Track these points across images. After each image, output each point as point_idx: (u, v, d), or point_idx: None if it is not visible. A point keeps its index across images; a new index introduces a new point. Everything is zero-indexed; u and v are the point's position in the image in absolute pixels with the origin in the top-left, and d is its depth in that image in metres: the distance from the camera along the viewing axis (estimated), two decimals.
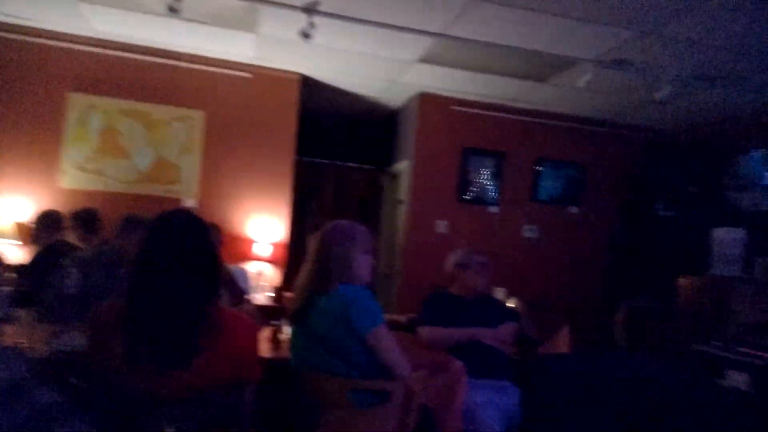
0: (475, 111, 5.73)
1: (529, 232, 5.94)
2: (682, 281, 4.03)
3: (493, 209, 5.84)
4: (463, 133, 5.73)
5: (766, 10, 3.28)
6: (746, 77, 4.39)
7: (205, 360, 1.60)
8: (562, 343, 3.85)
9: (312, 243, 2.30)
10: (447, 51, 4.39)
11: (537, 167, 5.95)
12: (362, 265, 2.23)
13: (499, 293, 5.41)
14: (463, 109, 5.70)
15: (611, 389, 1.71)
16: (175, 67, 4.96)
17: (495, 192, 5.83)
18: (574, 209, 6.05)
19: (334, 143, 6.43)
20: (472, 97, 5.65)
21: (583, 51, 4.16)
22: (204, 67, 5.03)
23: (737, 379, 2.84)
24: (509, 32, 3.94)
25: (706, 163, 5.19)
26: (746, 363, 2.83)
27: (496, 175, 5.82)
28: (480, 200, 5.80)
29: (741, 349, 2.99)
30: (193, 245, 1.66)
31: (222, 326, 1.63)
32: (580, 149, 6.04)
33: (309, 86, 5.44)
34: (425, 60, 4.64)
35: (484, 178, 5.82)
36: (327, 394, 2.08)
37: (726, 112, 5.35)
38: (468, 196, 5.76)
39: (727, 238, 3.83)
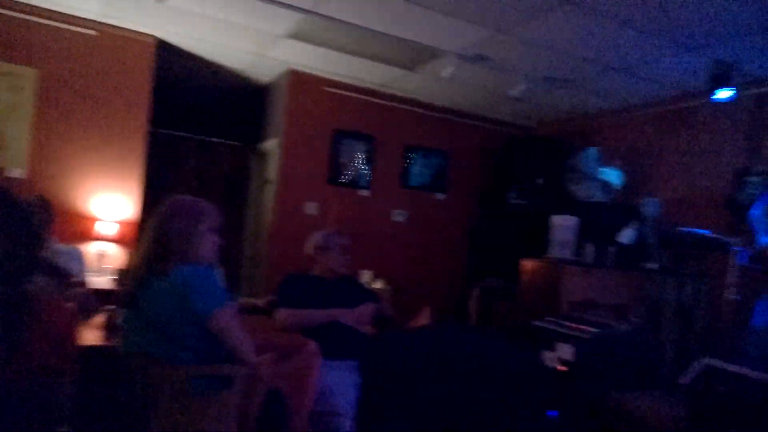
0: (347, 93, 5.73)
1: (398, 216, 6.11)
2: (524, 264, 4.41)
3: (364, 192, 5.92)
4: (335, 114, 5.71)
5: (601, 23, 3.66)
6: (586, 82, 4.89)
7: (15, 349, 1.41)
8: (423, 322, 4.01)
9: (150, 220, 2.14)
10: (316, 29, 4.32)
11: (407, 154, 6.13)
12: (206, 244, 2.12)
13: (365, 275, 5.53)
14: (335, 90, 5.67)
15: (432, 362, 1.82)
16: (2, 16, 4.31)
17: (366, 176, 5.91)
18: (440, 196, 6.35)
19: (198, 116, 6.05)
20: (344, 80, 5.63)
21: (447, 44, 4.33)
22: (38, 19, 4.43)
23: (566, 351, 3.18)
24: (376, 17, 3.97)
25: (553, 157, 5.71)
26: (572, 336, 3.17)
27: (368, 159, 5.90)
28: (351, 183, 5.84)
29: (569, 324, 3.34)
30: None
31: (34, 313, 1.45)
32: (445, 139, 6.33)
33: (167, 52, 5.04)
34: (294, 36, 4.53)
35: (356, 161, 5.86)
36: (161, 381, 1.95)
37: (570, 112, 5.94)
38: (339, 178, 5.77)
39: (562, 224, 4.27)
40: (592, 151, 5.23)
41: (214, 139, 6.01)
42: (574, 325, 3.30)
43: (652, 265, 4.25)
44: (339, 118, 5.73)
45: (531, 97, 5.39)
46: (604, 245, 4.35)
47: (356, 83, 5.70)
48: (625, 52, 4.14)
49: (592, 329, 3.22)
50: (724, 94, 4.11)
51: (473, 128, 6.45)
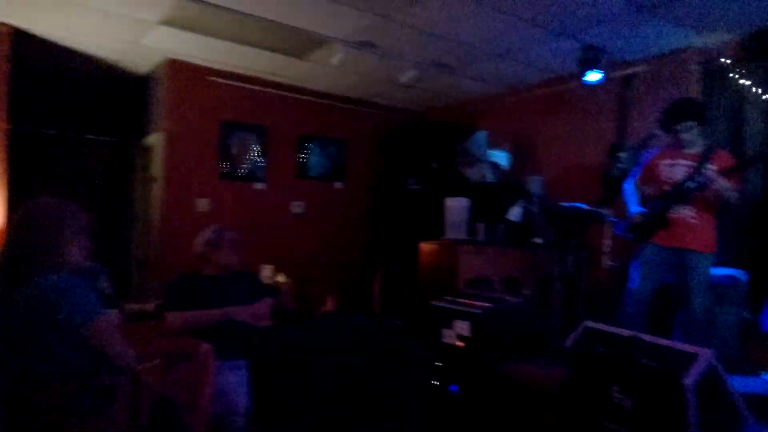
0: (234, 83, 5.51)
1: (297, 208, 6.02)
2: (422, 246, 4.53)
3: (260, 186, 5.76)
4: (222, 105, 5.47)
5: (478, 9, 3.80)
6: (471, 67, 5.08)
7: None
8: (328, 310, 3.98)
9: (7, 227, 1.92)
10: (192, 15, 4.09)
11: (302, 144, 6.04)
12: (74, 249, 1.94)
13: (267, 270, 5.40)
14: (220, 80, 5.43)
15: (325, 351, 1.82)
16: None
17: (261, 168, 5.74)
18: (338, 185, 6.33)
19: (69, 112, 5.54)
20: (228, 68, 5.41)
21: (332, 30, 4.29)
22: None
23: (462, 327, 3.31)
24: (255, 2, 3.83)
25: (446, 141, 5.89)
26: (467, 312, 3.30)
27: (262, 151, 5.73)
28: (245, 176, 5.65)
29: (465, 302, 3.48)
30: None
31: None
32: (341, 127, 6.31)
33: (27, 42, 4.55)
34: (169, 22, 4.25)
35: (249, 153, 5.68)
36: (33, 401, 1.77)
37: (461, 97, 6.15)
38: (231, 172, 5.55)
39: (455, 206, 4.43)
40: (481, 135, 5.46)
41: (90, 136, 5.53)
42: (469, 302, 3.44)
43: (539, 240, 4.53)
44: (227, 109, 5.50)
45: (421, 82, 5.51)
46: (495, 224, 4.57)
47: (242, 72, 5.50)
48: (503, 38, 4.34)
49: (486, 304, 3.38)
50: (593, 76, 4.44)
51: (368, 115, 6.48)
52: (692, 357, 2.21)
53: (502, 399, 3.01)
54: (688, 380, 2.12)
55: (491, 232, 4.54)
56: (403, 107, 6.62)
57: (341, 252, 6.21)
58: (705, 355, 2.20)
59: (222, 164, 5.47)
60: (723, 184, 2.94)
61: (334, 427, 2.56)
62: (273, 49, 4.81)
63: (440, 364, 3.19)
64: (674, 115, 3.10)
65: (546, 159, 5.46)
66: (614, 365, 2.47)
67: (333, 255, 6.13)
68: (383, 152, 6.52)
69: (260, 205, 5.70)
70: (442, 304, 3.50)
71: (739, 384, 3.08)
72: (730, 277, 3.80)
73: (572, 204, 4.44)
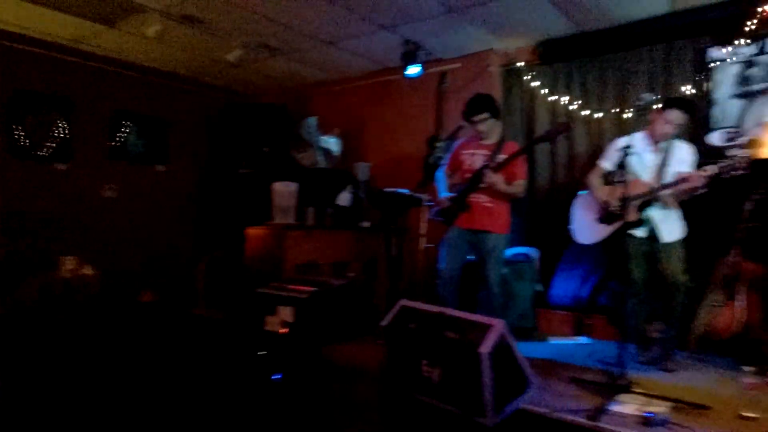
0: (34, 49, 4.70)
1: (109, 192, 5.37)
2: (249, 232, 4.35)
3: (62, 166, 5.02)
4: (13, 72, 4.64)
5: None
6: (301, 51, 4.97)
7: None
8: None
9: None
10: None
11: (118, 121, 5.39)
12: None
13: (67, 263, 4.73)
14: (13, 44, 4.59)
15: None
16: None
17: (65, 146, 5.00)
18: (160, 167, 5.80)
19: None
20: (24, 32, 4.60)
21: None
22: None
23: (286, 313, 3.24)
24: None
25: (279, 125, 5.72)
26: (292, 298, 3.24)
27: (67, 128, 4.99)
28: (43, 155, 4.87)
29: (291, 287, 3.41)
30: None
31: None
32: (164, 105, 5.77)
33: None
34: None
35: (50, 129, 4.91)
36: None
37: (294, 82, 6.00)
38: (25, 149, 4.75)
39: (283, 190, 4.32)
40: (313, 120, 5.40)
41: None
42: (296, 287, 3.38)
43: (366, 224, 4.63)
44: (20, 77, 4.68)
45: (250, 63, 5.25)
46: (324, 208, 4.56)
47: (43, 38, 4.71)
48: (331, 26, 4.31)
49: (312, 289, 3.35)
50: (413, 70, 4.64)
51: (196, 94, 6.02)
52: (487, 328, 2.41)
53: (325, 382, 3.02)
54: (484, 349, 2.30)
55: (320, 217, 4.52)
56: (235, 89, 6.28)
57: (163, 241, 5.71)
58: (498, 325, 2.41)
59: (10, 140, 4.64)
60: (496, 180, 3.21)
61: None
62: (79, 14, 4.18)
63: (264, 352, 3.09)
64: (472, 108, 3.36)
65: (373, 147, 5.60)
66: (424, 340, 2.60)
67: (153, 244, 5.62)
68: (212, 134, 6.13)
69: (62, 188, 4.97)
70: (267, 291, 3.39)
71: (530, 349, 3.50)
72: (524, 254, 4.28)
73: (396, 189, 4.61)
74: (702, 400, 2.42)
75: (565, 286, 4.18)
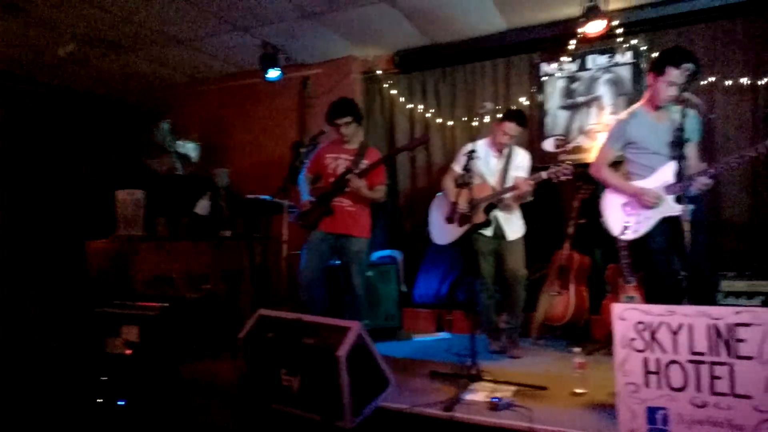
0: None
1: None
2: (91, 245, 3.91)
3: None
4: None
5: None
6: (151, 49, 4.59)
7: None
8: None
9: None
10: None
11: None
12: None
13: None
14: None
15: None
16: None
17: None
18: None
19: None
20: None
21: None
22: None
23: (131, 332, 2.93)
24: None
25: (129, 127, 5.24)
26: (139, 316, 2.95)
27: None
28: None
29: (138, 304, 3.10)
30: None
31: None
32: None
33: None
34: None
35: None
36: None
37: (145, 81, 5.51)
38: None
39: (128, 199, 3.94)
40: (166, 125, 5.03)
41: None
42: (143, 303, 3.08)
43: (227, 233, 4.40)
44: None
45: (90, 60, 4.72)
46: (179, 217, 4.24)
47: None
48: (183, 23, 4.03)
49: (162, 304, 3.07)
50: (273, 73, 4.52)
51: (26, 93, 5.28)
52: (345, 331, 2.38)
53: (179, 402, 2.78)
54: (341, 352, 2.27)
55: (174, 226, 4.20)
56: (77, 87, 5.61)
57: None
58: (355, 327, 2.39)
59: None
60: (360, 185, 3.25)
61: None
62: None
63: (105, 378, 2.76)
64: (336, 111, 3.35)
65: (236, 152, 5.37)
66: (282, 349, 2.51)
67: None
68: (48, 137, 5.41)
69: None
70: (109, 310, 3.04)
71: (394, 348, 3.57)
72: (389, 257, 4.37)
73: (258, 196, 4.44)
74: (541, 382, 2.62)
75: (427, 285, 4.32)
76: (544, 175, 3.08)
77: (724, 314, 1.84)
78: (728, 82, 3.71)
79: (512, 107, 4.11)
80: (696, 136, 2.69)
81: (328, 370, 2.29)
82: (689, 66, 2.55)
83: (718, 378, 1.82)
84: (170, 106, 5.62)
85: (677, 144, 2.37)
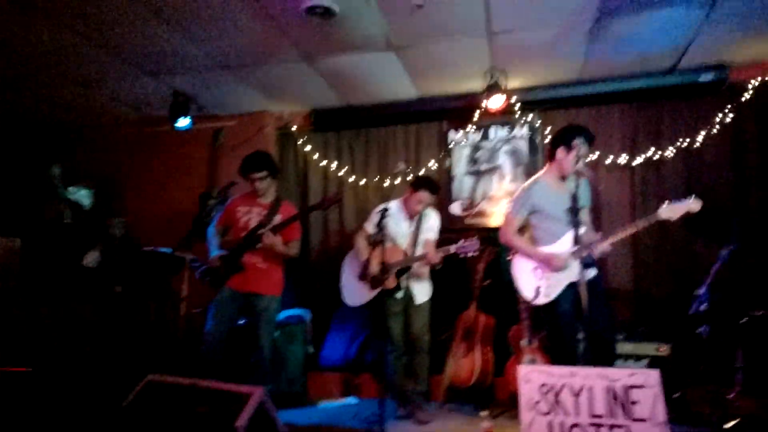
0: None
1: None
2: None
3: None
4: None
5: (52, 26, 3.21)
6: (46, 89, 4.25)
7: None
8: None
9: None
10: None
11: None
12: None
13: None
14: None
15: None
16: None
17: None
18: None
19: None
20: None
21: None
22: None
23: None
24: None
25: (17, 172, 4.75)
26: None
27: None
28: None
29: None
30: None
31: None
32: None
33: None
34: None
35: None
36: None
37: (34, 122, 5.07)
38: None
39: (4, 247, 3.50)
40: (57, 169, 4.60)
41: None
42: None
43: (117, 288, 4.01)
44: None
45: None
46: (63, 270, 3.82)
47: None
48: (83, 64, 3.79)
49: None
50: (183, 122, 4.35)
51: None
52: (245, 398, 2.19)
53: None
54: (240, 422, 2.07)
55: (56, 280, 3.76)
56: None
57: None
58: (257, 394, 2.21)
59: None
60: (274, 242, 3.15)
61: None
62: None
63: None
64: (251, 164, 3.25)
65: (137, 201, 5.02)
66: (172, 420, 2.24)
67: None
68: None
69: None
70: None
71: (299, 415, 3.34)
72: (297, 316, 4.15)
73: (157, 248, 4.14)
74: None
75: (335, 346, 4.19)
76: (452, 249, 3.14)
77: (620, 376, 1.91)
78: (608, 161, 4.10)
79: (423, 173, 4.24)
80: (588, 202, 2.90)
81: None
82: (587, 142, 2.78)
83: None
84: (65, 149, 5.19)
85: (574, 211, 2.52)
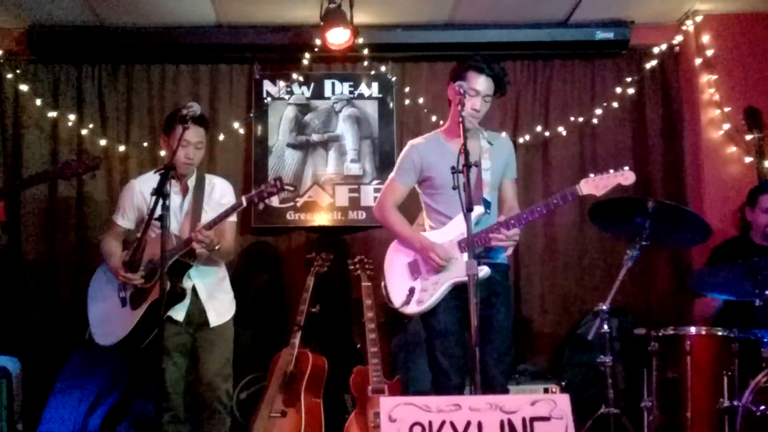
0: None
1: None
2: None
3: None
4: None
5: None
6: None
7: None
8: None
9: None
10: None
11: None
12: None
13: None
14: None
15: None
16: None
17: None
18: None
19: None
20: None
21: None
22: None
23: None
24: None
25: None
26: None
27: None
28: None
29: None
30: None
31: None
32: None
33: None
34: None
35: None
36: None
37: None
38: None
39: None
40: None
41: None
42: None
43: None
44: None
45: None
46: None
47: None
48: None
49: None
50: None
51: None
52: None
53: None
54: None
55: None
56: None
57: None
58: None
59: None
60: None
61: None
62: None
63: None
64: None
65: None
66: None
67: None
68: None
69: None
70: None
71: None
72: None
73: None
74: None
75: (62, 418, 3.80)
76: (244, 201, 2.83)
77: (519, 406, 1.89)
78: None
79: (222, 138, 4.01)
80: (512, 173, 2.86)
81: None
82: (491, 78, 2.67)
83: None
84: None
85: (464, 173, 2.29)
